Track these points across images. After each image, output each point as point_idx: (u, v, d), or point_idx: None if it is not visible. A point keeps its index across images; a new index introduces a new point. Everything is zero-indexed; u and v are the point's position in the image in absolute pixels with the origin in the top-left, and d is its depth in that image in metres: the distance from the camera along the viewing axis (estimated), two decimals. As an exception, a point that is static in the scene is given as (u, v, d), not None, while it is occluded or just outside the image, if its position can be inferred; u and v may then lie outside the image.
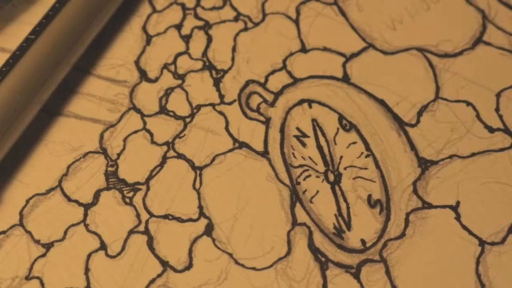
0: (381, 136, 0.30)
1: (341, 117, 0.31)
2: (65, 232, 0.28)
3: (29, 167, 0.29)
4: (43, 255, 0.27)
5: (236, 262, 0.27)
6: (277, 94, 0.31)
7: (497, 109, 0.31)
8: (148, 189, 0.29)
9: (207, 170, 0.29)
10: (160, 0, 0.34)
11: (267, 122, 0.31)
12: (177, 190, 0.29)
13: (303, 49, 0.33)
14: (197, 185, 0.29)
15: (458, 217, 0.28)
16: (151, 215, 0.28)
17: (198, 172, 0.29)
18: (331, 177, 0.29)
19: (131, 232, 0.28)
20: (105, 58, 0.32)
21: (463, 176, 0.29)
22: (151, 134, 0.30)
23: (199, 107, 0.31)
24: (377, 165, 0.30)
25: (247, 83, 0.32)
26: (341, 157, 0.30)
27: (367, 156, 0.30)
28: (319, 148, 0.30)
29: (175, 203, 0.29)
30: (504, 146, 0.30)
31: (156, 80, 0.32)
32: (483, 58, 0.32)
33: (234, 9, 0.34)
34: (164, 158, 0.30)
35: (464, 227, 0.28)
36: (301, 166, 0.30)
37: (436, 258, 0.27)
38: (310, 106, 0.31)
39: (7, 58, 0.29)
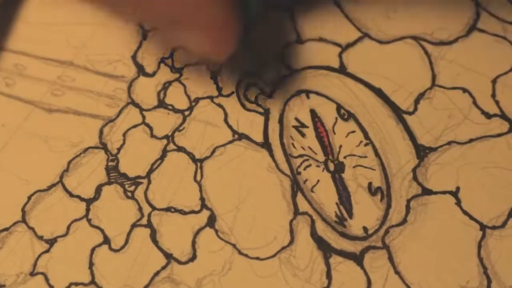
0: (379, 125, 0.30)
1: (339, 107, 0.31)
2: (68, 228, 0.28)
3: (30, 164, 0.29)
4: (47, 251, 0.27)
5: (240, 252, 0.27)
6: (275, 85, 0.32)
7: (493, 95, 0.31)
8: (149, 182, 0.29)
9: (208, 162, 0.29)
10: (155, -6, 0.34)
11: (265, 113, 0.31)
12: (179, 182, 0.29)
13: (299, 40, 0.33)
14: (198, 177, 0.29)
15: (458, 202, 0.28)
16: (153, 208, 0.28)
17: (198, 164, 0.29)
18: (331, 166, 0.29)
19: (134, 225, 0.28)
20: (101, 54, 0.32)
21: (462, 162, 0.29)
22: (151, 128, 0.30)
23: (197, 100, 0.31)
24: (377, 153, 0.30)
25: (245, 75, 0.32)
26: (340, 146, 0.30)
27: (366, 144, 0.30)
28: (318, 138, 0.30)
29: (177, 196, 0.29)
30: (501, 131, 0.30)
31: (153, 74, 0.32)
32: (478, 45, 0.33)
33: (230, 1, 0.34)
34: (165, 152, 0.30)
35: (465, 212, 0.28)
36: (301, 156, 0.30)
37: (438, 243, 0.28)
38: (308, 97, 0.31)
39: None
